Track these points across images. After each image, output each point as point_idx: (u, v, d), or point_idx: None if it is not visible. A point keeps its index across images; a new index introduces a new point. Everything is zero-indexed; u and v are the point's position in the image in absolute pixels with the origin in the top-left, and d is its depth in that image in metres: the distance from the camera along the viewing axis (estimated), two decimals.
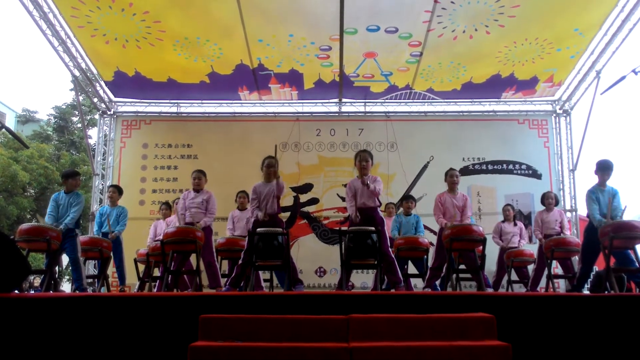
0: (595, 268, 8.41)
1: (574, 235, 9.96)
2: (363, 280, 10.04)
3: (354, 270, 8.04)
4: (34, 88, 54.47)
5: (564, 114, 11.16)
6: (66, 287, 17.69)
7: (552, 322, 3.92)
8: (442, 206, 6.92)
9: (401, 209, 8.40)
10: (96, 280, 8.04)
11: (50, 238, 6.29)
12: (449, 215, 6.87)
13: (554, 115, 11.23)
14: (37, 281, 11.91)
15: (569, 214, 10.66)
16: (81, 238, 7.12)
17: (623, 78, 5.85)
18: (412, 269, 7.79)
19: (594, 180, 6.54)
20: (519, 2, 8.02)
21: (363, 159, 6.32)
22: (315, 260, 10.43)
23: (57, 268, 6.95)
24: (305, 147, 11.04)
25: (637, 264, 6.01)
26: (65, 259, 7.36)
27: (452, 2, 8.06)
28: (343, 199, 9.64)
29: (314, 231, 10.69)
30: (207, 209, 7.00)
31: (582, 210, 9.76)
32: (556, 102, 11.21)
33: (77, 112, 23.05)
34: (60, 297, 4.40)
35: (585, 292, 6.86)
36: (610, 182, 6.47)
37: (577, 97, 10.71)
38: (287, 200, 10.40)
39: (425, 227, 9.10)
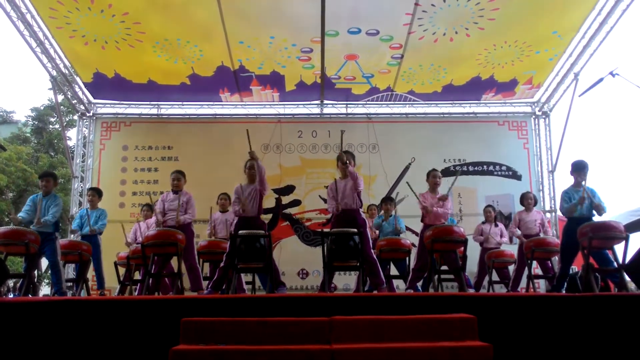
0: (575, 268, 8.52)
1: (553, 235, 10.06)
2: (346, 282, 10.05)
3: (337, 272, 8.03)
4: (11, 89, 53.73)
5: (543, 116, 11.29)
6: (45, 290, 17.46)
7: (532, 322, 3.96)
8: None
9: (382, 212, 8.41)
10: (75, 284, 7.95)
11: (29, 241, 6.21)
12: (430, 216, 6.91)
13: (533, 116, 11.35)
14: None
15: (548, 215, 10.78)
16: (61, 241, 7.04)
17: (601, 80, 5.93)
18: (394, 270, 7.81)
19: (571, 181, 6.62)
20: (499, 5, 8.10)
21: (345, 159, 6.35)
22: (297, 262, 10.42)
23: (36, 272, 6.85)
24: (287, 148, 11.03)
25: (615, 264, 6.10)
26: (44, 262, 7.26)
27: (432, 5, 8.11)
28: (325, 201, 9.65)
29: (296, 233, 10.68)
30: (186, 210, 6.96)
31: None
32: (535, 104, 11.33)
33: (55, 114, 22.82)
34: (40, 302, 4.34)
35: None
36: (590, 182, 6.57)
37: (555, 99, 10.83)
38: (268, 202, 10.37)
39: (408, 229, 9.13)
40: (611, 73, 5.74)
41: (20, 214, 6.70)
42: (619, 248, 6.10)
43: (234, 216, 6.70)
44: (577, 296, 4.30)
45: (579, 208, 6.37)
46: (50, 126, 24.18)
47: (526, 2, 8.12)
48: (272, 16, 8.43)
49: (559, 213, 10.80)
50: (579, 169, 6.52)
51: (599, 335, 3.92)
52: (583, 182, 6.43)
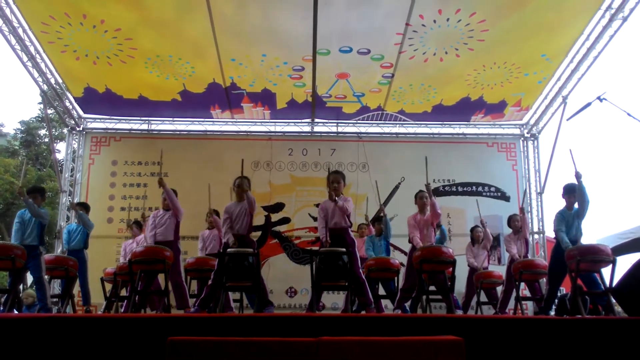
0: (563, 289, 8.54)
1: (541, 257, 10.10)
2: (334, 300, 10.00)
3: (325, 291, 8.01)
4: (1, 102, 53.43)
5: (532, 138, 11.39)
6: None
7: (520, 345, 3.95)
8: (417, 226, 6.98)
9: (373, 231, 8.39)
10: (61, 299, 7.87)
11: (15, 256, 6.14)
12: (421, 236, 6.93)
13: (522, 138, 11.45)
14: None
15: (536, 236, 10.82)
16: (47, 256, 6.98)
17: (588, 105, 5.98)
18: (382, 289, 7.78)
19: (562, 203, 6.68)
20: (488, 26, 8.20)
21: (335, 180, 6.33)
22: (286, 280, 10.37)
23: (21, 287, 6.78)
24: (278, 166, 11.03)
25: (602, 287, 6.12)
26: (30, 278, 7.20)
27: (423, 25, 8.20)
28: (315, 219, 9.64)
29: (285, 251, 10.65)
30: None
31: (550, 232, 9.93)
32: (524, 126, 11.43)
33: (44, 125, 22.72)
34: (23, 318, 4.29)
35: (552, 314, 6.94)
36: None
37: (544, 121, 10.94)
38: (258, 219, 10.34)
39: (396, 248, 9.14)
40: (599, 98, 5.79)
41: (13, 241, 6.65)
42: (606, 271, 6.14)
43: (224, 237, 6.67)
44: (564, 319, 4.31)
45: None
46: (39, 139, 24.05)
47: (515, 25, 8.22)
48: (264, 34, 8.48)
49: (547, 235, 10.87)
50: (570, 192, 6.59)
51: (586, 359, 3.92)
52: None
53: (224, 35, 8.47)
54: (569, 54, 9.01)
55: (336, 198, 6.15)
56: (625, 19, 7.96)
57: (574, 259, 5.99)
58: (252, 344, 3.65)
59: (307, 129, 11.52)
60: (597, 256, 5.99)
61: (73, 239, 8.02)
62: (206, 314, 5.90)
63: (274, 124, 11.36)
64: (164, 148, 10.94)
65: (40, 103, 21.55)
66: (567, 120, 6.98)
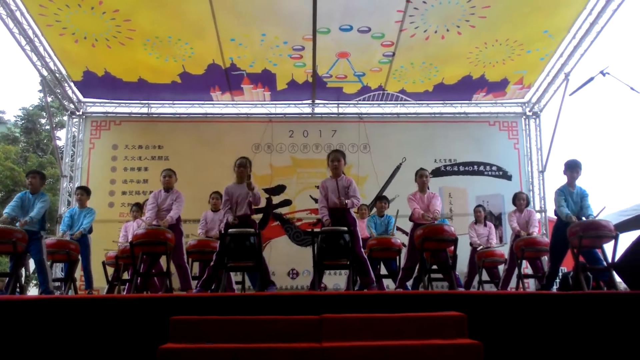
0: (564, 269, 8.53)
1: (543, 235, 10.08)
2: (336, 281, 10.03)
3: (327, 272, 8.02)
4: (1, 89, 53.33)
5: (534, 116, 11.32)
6: (33, 291, 17.32)
7: (522, 321, 3.95)
8: (417, 202, 6.93)
9: (374, 210, 8.39)
10: (63, 283, 7.87)
11: (16, 240, 6.12)
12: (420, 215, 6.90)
13: (524, 117, 11.38)
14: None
15: (538, 215, 10.80)
16: (48, 240, 6.96)
17: (591, 79, 5.93)
18: (384, 269, 7.78)
19: (563, 180, 6.63)
20: (490, 2, 8.11)
21: (335, 158, 6.31)
22: (287, 262, 10.39)
23: (24, 272, 6.76)
24: (278, 148, 11.00)
25: (604, 263, 6.10)
26: (32, 263, 7.17)
27: (423, 2, 8.11)
28: (316, 201, 9.60)
29: (287, 233, 10.65)
30: (173, 203, 6.88)
31: (551, 211, 9.90)
32: (526, 104, 11.36)
33: (45, 114, 22.68)
34: (26, 300, 4.29)
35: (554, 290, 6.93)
36: (580, 182, 6.58)
37: (546, 99, 10.86)
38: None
39: (398, 229, 9.14)
40: (602, 72, 5.74)
41: (6, 210, 6.60)
42: (608, 247, 6.11)
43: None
44: (566, 294, 4.30)
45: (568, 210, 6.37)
46: (40, 126, 24.02)
47: (517, 1, 8.13)
48: (264, 13, 8.39)
49: (549, 214, 10.85)
50: (572, 168, 6.54)
51: (588, 334, 3.91)
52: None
53: (223, 14, 8.39)
54: (571, 29, 8.91)
55: (346, 202, 6.10)
56: None
57: (576, 235, 5.96)
58: (254, 322, 3.65)
59: (308, 110, 11.47)
60: (600, 231, 5.96)
61: (75, 223, 7.98)
62: (208, 293, 5.90)
63: (274, 105, 11.30)
64: (164, 131, 10.98)
65: (40, 91, 21.49)
66: (570, 95, 6.92)
